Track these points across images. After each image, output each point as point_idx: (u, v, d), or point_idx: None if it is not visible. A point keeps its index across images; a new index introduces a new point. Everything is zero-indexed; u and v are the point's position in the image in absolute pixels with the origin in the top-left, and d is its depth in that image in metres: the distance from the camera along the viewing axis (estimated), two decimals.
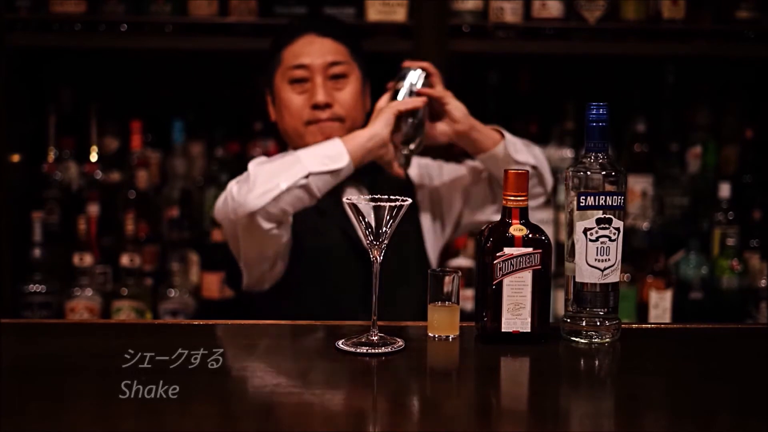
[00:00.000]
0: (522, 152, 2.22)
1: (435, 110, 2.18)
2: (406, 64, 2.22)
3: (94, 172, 3.07)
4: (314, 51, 2.30)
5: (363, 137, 2.13)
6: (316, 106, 2.27)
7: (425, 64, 2.21)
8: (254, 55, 2.98)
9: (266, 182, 2.05)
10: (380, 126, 2.13)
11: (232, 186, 2.11)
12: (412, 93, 2.17)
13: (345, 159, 2.08)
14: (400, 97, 2.17)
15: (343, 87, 2.30)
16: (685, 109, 3.25)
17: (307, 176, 2.06)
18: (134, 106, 3.18)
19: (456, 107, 2.17)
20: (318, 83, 2.28)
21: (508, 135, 2.22)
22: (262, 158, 2.20)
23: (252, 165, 2.12)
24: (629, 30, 2.94)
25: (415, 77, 2.19)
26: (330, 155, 2.08)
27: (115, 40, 2.92)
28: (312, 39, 2.31)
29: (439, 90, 2.18)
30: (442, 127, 2.19)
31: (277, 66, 2.32)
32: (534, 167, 2.24)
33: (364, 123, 2.28)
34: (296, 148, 2.32)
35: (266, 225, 2.07)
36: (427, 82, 2.19)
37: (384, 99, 2.20)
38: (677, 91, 3.22)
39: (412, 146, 2.18)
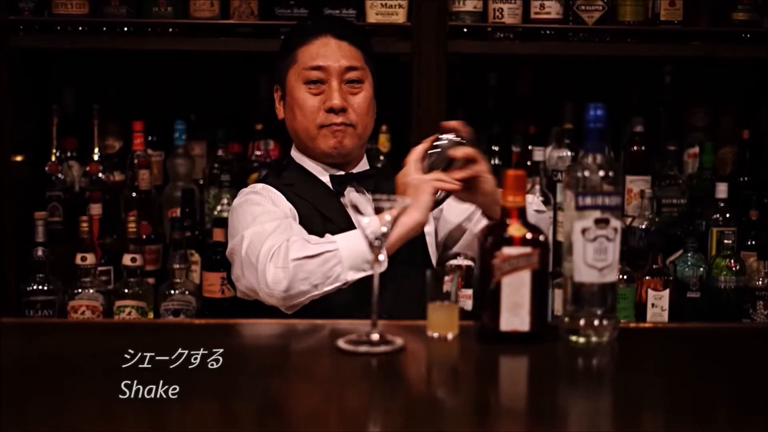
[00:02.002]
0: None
1: (467, 179, 2.16)
2: (444, 125, 2.19)
3: (97, 172, 3.08)
4: (331, 54, 2.29)
5: (404, 228, 2.08)
6: (331, 110, 2.27)
7: (458, 126, 2.17)
8: (255, 57, 3.00)
9: (304, 282, 2.05)
10: (422, 213, 2.10)
11: (267, 267, 2.06)
12: (448, 160, 2.15)
13: (384, 263, 1.98)
14: (433, 160, 2.15)
15: (357, 92, 2.30)
16: (683, 110, 3.26)
17: (345, 282, 2.07)
18: (136, 106, 3.19)
19: (488, 180, 2.16)
20: (334, 87, 2.28)
21: None
22: (302, 243, 2.08)
23: (291, 257, 2.04)
24: (627, 31, 2.95)
25: (451, 143, 2.15)
26: (370, 259, 1.92)
27: (117, 42, 2.93)
28: (328, 41, 2.31)
29: (476, 168, 2.14)
30: (468, 195, 2.18)
31: (291, 65, 2.32)
32: None
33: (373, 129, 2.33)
34: (304, 147, 2.33)
35: (289, 312, 2.12)
36: (462, 142, 2.17)
37: (415, 153, 2.16)
38: (675, 92, 3.23)
39: (438, 197, 2.18)
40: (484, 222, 2.27)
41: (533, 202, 2.29)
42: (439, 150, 2.16)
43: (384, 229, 1.68)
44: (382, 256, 1.71)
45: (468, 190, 2.17)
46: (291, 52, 2.32)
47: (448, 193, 2.18)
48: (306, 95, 2.29)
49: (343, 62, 2.29)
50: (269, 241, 2.09)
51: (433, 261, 2.40)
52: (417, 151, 2.17)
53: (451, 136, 2.16)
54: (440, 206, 2.37)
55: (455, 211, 2.37)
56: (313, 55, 2.29)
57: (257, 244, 2.10)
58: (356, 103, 2.29)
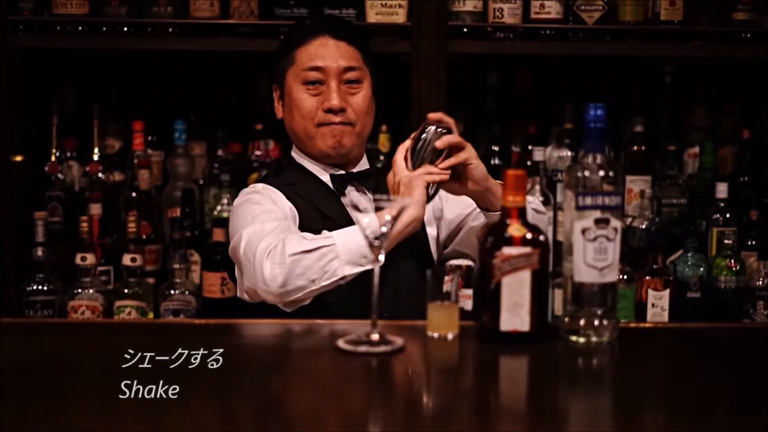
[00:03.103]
0: None
1: (456, 168, 2.16)
2: (429, 117, 2.18)
3: (96, 172, 3.08)
4: (329, 54, 2.29)
5: (402, 224, 2.06)
6: (330, 110, 2.27)
7: (441, 116, 2.17)
8: (255, 57, 3.00)
9: (301, 278, 2.04)
10: (418, 208, 2.09)
11: (264, 263, 2.05)
12: (434, 151, 2.14)
13: (381, 258, 1.97)
14: (419, 154, 2.14)
15: (356, 92, 2.30)
16: (683, 110, 3.26)
17: (342, 277, 2.06)
18: (136, 106, 3.19)
19: (476, 167, 2.16)
20: (332, 87, 2.27)
21: None
22: (299, 238, 2.09)
23: (288, 252, 2.03)
24: (627, 31, 2.95)
25: (434, 134, 2.15)
26: (367, 254, 1.93)
27: (117, 42, 2.93)
28: (326, 41, 2.31)
29: (462, 155, 2.14)
30: (460, 186, 2.18)
31: (290, 65, 2.32)
32: None
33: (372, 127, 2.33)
34: (303, 147, 2.33)
35: (288, 309, 2.11)
36: (445, 132, 2.16)
37: (401, 151, 2.16)
38: (675, 92, 3.23)
39: (429, 192, 2.17)
40: (482, 219, 2.27)
41: (533, 202, 2.29)
42: (422, 143, 2.15)
43: (384, 229, 1.68)
44: (382, 257, 1.71)
45: (459, 180, 2.17)
46: (289, 53, 2.32)
47: (439, 185, 2.17)
48: (304, 96, 2.29)
49: (341, 62, 2.29)
50: (267, 239, 2.09)
51: (435, 261, 2.40)
52: (402, 149, 2.17)
53: (433, 128, 2.16)
54: (441, 208, 2.37)
55: (454, 208, 2.37)
56: (311, 55, 2.29)
57: (255, 242, 2.10)
58: (355, 103, 2.29)
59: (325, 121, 2.27)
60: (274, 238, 2.09)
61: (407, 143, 2.18)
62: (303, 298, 2.08)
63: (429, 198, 2.17)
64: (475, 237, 2.30)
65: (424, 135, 2.15)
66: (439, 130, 2.15)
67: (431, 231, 2.37)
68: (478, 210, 2.28)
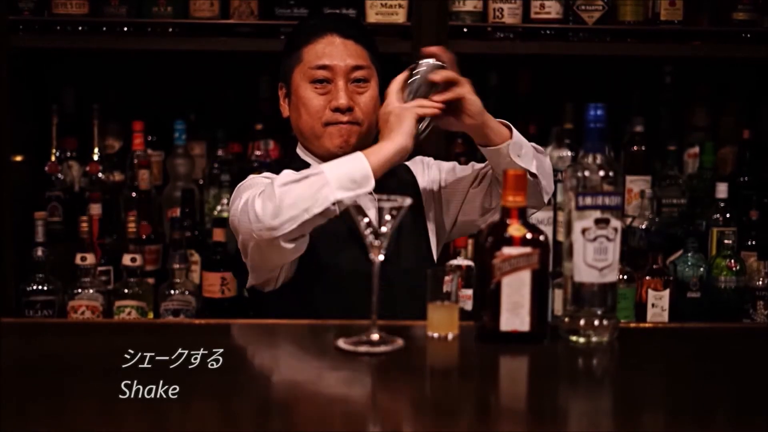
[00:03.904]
0: (526, 157, 2.19)
1: (451, 103, 2.14)
2: (423, 50, 2.17)
3: (96, 172, 3.08)
4: (337, 53, 2.29)
5: (389, 151, 2.07)
6: (337, 109, 2.27)
7: (438, 51, 2.16)
8: (255, 56, 3.00)
9: (293, 207, 2.00)
10: (405, 138, 2.08)
11: (255, 201, 2.04)
12: (430, 85, 2.12)
13: (371, 183, 2.03)
14: (414, 88, 2.12)
15: (363, 91, 2.30)
16: (683, 110, 3.27)
17: (333, 203, 2.03)
18: (136, 106, 3.19)
19: (472, 102, 2.14)
20: (340, 86, 2.27)
21: (516, 136, 2.19)
22: (289, 172, 2.10)
23: (277, 184, 2.03)
24: (627, 31, 2.95)
25: (430, 68, 2.13)
26: (356, 179, 2.02)
27: (117, 42, 2.93)
28: (334, 39, 2.30)
29: (457, 90, 2.13)
30: (455, 120, 2.16)
31: (297, 63, 2.31)
32: (534, 176, 2.21)
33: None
34: (309, 146, 2.33)
35: (289, 246, 2.06)
36: (441, 66, 2.14)
37: (395, 84, 2.15)
38: (675, 92, 3.24)
39: (421, 127, 2.14)
40: (483, 186, 2.29)
41: (524, 145, 2.25)
42: (418, 76, 2.13)
43: (384, 229, 1.68)
44: (382, 257, 1.71)
45: (454, 115, 2.15)
46: (296, 51, 2.32)
47: (432, 120, 2.15)
48: (312, 94, 2.28)
49: (349, 61, 2.28)
50: (260, 188, 2.08)
51: (435, 256, 2.39)
52: (397, 81, 2.15)
53: (430, 61, 2.14)
54: (441, 186, 2.35)
55: (452, 180, 2.37)
56: (318, 54, 2.29)
57: (250, 197, 2.08)
58: (362, 102, 2.29)
59: (333, 121, 2.27)
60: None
61: (402, 75, 2.15)
62: (299, 231, 2.03)
63: (421, 132, 2.14)
64: (478, 202, 2.33)
65: (418, 68, 2.13)
66: (435, 63, 2.13)
67: (430, 221, 2.37)
68: (479, 178, 2.29)
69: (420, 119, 2.12)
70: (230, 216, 2.20)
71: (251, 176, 2.31)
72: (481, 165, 2.33)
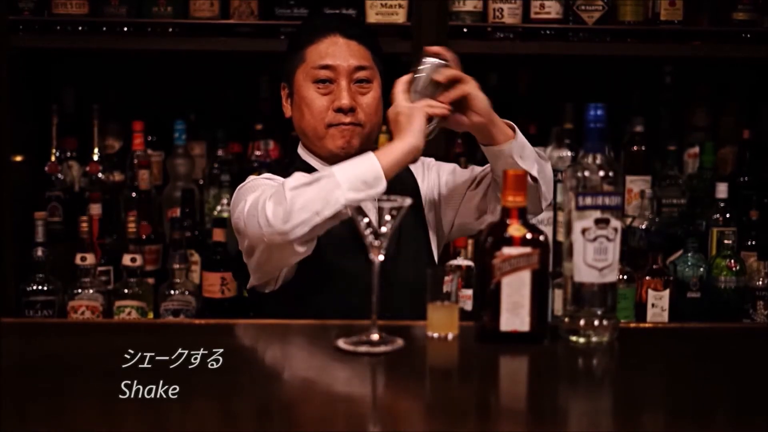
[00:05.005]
0: (528, 160, 2.18)
1: (458, 101, 2.13)
2: (426, 50, 2.16)
3: (96, 172, 3.08)
4: (340, 53, 2.28)
5: (400, 151, 2.06)
6: (340, 110, 2.26)
7: (440, 50, 2.15)
8: (255, 57, 3.00)
9: (304, 210, 1.99)
10: (417, 137, 2.07)
11: (266, 205, 2.02)
12: (435, 84, 2.11)
13: (382, 185, 2.01)
14: (419, 88, 2.12)
15: (366, 92, 2.29)
16: (683, 110, 3.27)
17: (345, 206, 2.00)
18: (136, 106, 3.19)
19: (480, 99, 2.13)
20: (343, 86, 2.26)
21: (519, 138, 2.19)
22: (299, 175, 2.07)
23: (288, 188, 2.01)
24: (627, 31, 2.95)
25: (433, 67, 2.12)
26: (367, 180, 1.99)
27: (117, 42, 2.93)
28: (337, 40, 2.29)
29: (464, 88, 2.12)
30: (461, 117, 2.15)
31: (300, 63, 2.31)
32: (534, 180, 2.20)
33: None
34: (311, 146, 2.32)
35: (301, 249, 2.05)
36: (444, 64, 2.13)
37: (400, 85, 2.13)
38: (675, 92, 3.24)
39: (429, 128, 2.13)
40: (482, 187, 2.28)
41: (527, 148, 2.25)
42: (423, 75, 2.12)
43: (384, 229, 1.68)
44: (382, 257, 1.71)
45: (461, 112, 2.14)
46: (299, 51, 2.31)
47: (439, 121, 2.14)
48: (314, 94, 2.28)
49: (352, 62, 2.28)
50: (268, 193, 2.07)
51: (436, 256, 2.39)
52: (402, 82, 2.14)
53: (434, 61, 2.12)
54: (439, 187, 2.35)
55: (451, 182, 2.36)
56: (321, 54, 2.28)
57: (258, 199, 2.07)
58: (365, 103, 2.29)
59: (335, 122, 2.26)
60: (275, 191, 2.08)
61: (407, 77, 2.14)
62: (310, 234, 2.02)
63: (429, 133, 2.14)
64: (474, 203, 2.32)
65: (422, 68, 2.12)
66: (438, 62, 2.12)
67: (430, 222, 2.36)
68: (478, 179, 2.28)
69: (430, 119, 2.12)
70: (234, 219, 2.19)
71: (251, 177, 2.30)
72: (481, 168, 2.33)
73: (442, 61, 2.13)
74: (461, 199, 2.36)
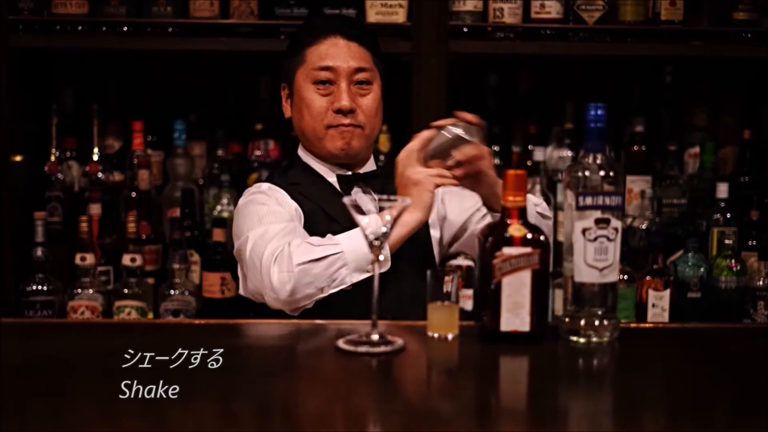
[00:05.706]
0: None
1: (467, 172, 2.15)
2: (459, 115, 2.15)
3: (96, 172, 3.08)
4: (340, 54, 2.28)
5: (408, 229, 2.10)
6: (340, 111, 2.27)
7: (471, 118, 2.14)
8: (255, 56, 3.00)
9: (309, 287, 2.05)
10: (425, 212, 2.11)
11: (271, 270, 2.05)
12: (448, 148, 2.12)
13: (388, 264, 2.07)
14: (434, 152, 2.12)
15: (366, 93, 2.30)
16: (684, 110, 3.26)
17: (350, 285, 2.07)
18: (136, 106, 3.19)
19: (490, 176, 2.16)
20: (343, 88, 2.27)
21: None
22: (306, 246, 2.07)
23: (295, 262, 2.03)
24: (628, 31, 2.95)
25: (455, 139, 2.12)
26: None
27: (116, 42, 2.93)
28: (337, 41, 2.30)
29: (479, 164, 2.13)
30: (470, 184, 2.18)
31: (300, 64, 2.31)
32: None
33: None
34: (311, 147, 2.32)
35: (297, 311, 2.11)
36: (470, 133, 2.13)
37: (418, 140, 2.13)
38: (675, 92, 3.23)
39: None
40: (486, 221, 2.27)
41: (540, 205, 2.29)
42: (443, 143, 2.13)
43: (384, 229, 1.68)
44: (383, 257, 1.71)
45: (469, 180, 2.16)
46: (299, 52, 2.31)
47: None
48: (314, 95, 2.28)
49: (352, 63, 2.28)
50: (272, 243, 2.08)
51: (437, 262, 2.40)
52: (419, 139, 2.15)
53: (459, 131, 2.13)
54: (445, 211, 2.36)
55: (457, 209, 2.37)
56: (322, 55, 2.28)
57: (261, 246, 2.10)
58: (365, 105, 2.29)
59: (335, 123, 2.27)
60: (281, 241, 2.09)
61: (426, 134, 2.14)
62: (309, 305, 2.09)
63: None
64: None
65: (446, 132, 2.13)
66: (461, 133, 2.12)
67: (434, 233, 2.37)
68: (483, 212, 2.28)
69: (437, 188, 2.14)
70: (236, 247, 2.22)
71: (253, 189, 2.29)
72: None
73: (465, 136, 2.12)
74: (464, 234, 2.37)
